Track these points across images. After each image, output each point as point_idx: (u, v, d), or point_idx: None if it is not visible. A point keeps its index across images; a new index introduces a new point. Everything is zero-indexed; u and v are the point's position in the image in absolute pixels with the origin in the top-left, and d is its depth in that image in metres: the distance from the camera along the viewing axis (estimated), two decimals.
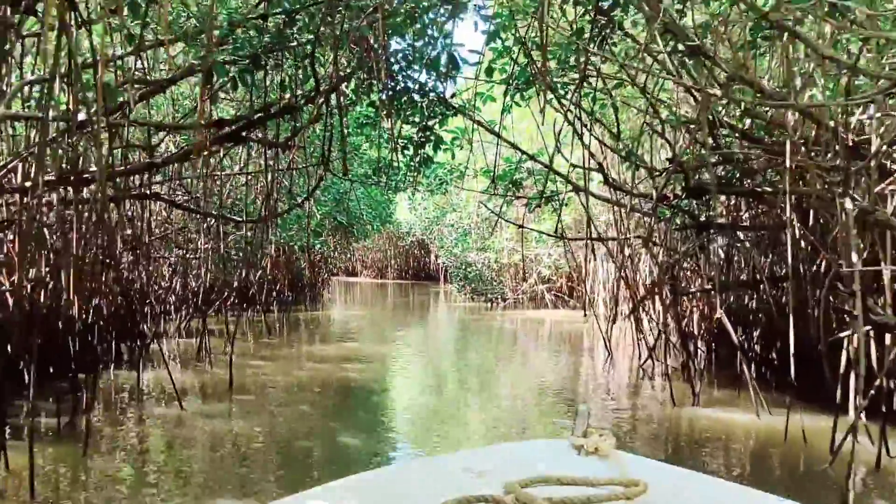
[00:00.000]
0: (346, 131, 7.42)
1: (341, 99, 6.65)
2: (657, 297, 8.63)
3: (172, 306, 11.07)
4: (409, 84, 7.85)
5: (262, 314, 11.60)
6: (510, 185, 9.23)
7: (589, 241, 10.31)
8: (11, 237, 6.16)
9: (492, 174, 9.82)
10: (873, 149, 4.64)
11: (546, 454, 1.59)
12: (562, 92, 7.65)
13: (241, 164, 8.70)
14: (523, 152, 8.66)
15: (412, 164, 8.50)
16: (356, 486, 1.43)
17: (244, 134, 6.25)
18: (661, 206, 7.42)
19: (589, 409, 1.75)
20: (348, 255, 31.35)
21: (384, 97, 7.44)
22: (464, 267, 18.93)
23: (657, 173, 7.17)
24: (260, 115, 6.15)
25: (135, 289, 9.35)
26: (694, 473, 1.57)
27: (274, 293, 14.96)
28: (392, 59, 7.16)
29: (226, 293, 8.99)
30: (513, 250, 16.62)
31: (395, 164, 10.83)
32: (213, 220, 8.05)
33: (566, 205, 9.84)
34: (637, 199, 8.67)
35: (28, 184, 4.94)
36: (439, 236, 21.05)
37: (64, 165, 5.70)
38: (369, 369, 8.29)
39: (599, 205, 13.25)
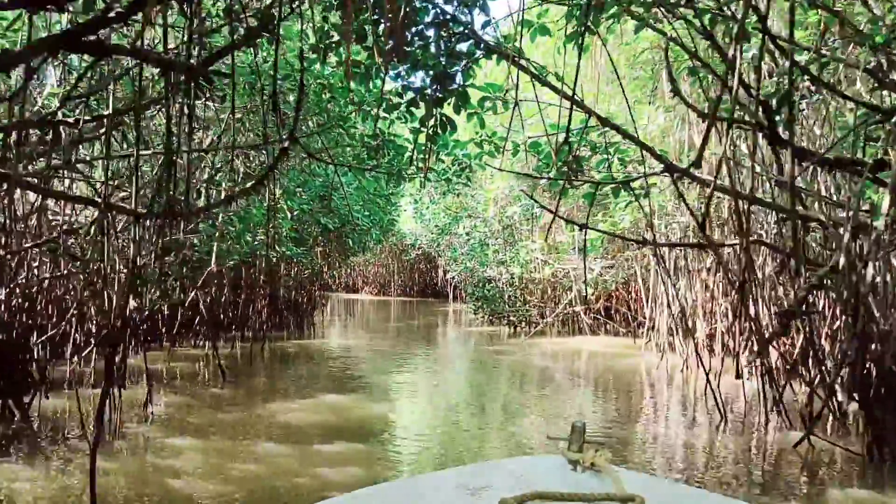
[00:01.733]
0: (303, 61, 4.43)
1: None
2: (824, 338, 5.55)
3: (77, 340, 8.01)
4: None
5: (213, 349, 8.46)
6: (568, 167, 6.18)
7: (691, 248, 7.30)
8: None
9: (540, 149, 6.89)
10: None
11: (542, 470, 1.54)
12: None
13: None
14: (592, 113, 5.64)
15: (423, 131, 5.60)
16: (352, 503, 1.40)
17: (99, 37, 3.16)
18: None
19: (584, 423, 1.65)
20: (347, 270, 28.23)
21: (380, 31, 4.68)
22: (482, 284, 15.76)
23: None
24: None
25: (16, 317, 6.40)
26: (690, 488, 1.64)
27: (251, 317, 11.94)
28: None
29: (139, 320, 5.94)
30: (544, 262, 13.44)
31: (397, 132, 7.80)
32: (98, 212, 4.99)
33: (647, 195, 6.86)
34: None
35: None
36: (450, 247, 17.92)
37: None
38: (360, 459, 5.15)
39: (659, 197, 10.16)
